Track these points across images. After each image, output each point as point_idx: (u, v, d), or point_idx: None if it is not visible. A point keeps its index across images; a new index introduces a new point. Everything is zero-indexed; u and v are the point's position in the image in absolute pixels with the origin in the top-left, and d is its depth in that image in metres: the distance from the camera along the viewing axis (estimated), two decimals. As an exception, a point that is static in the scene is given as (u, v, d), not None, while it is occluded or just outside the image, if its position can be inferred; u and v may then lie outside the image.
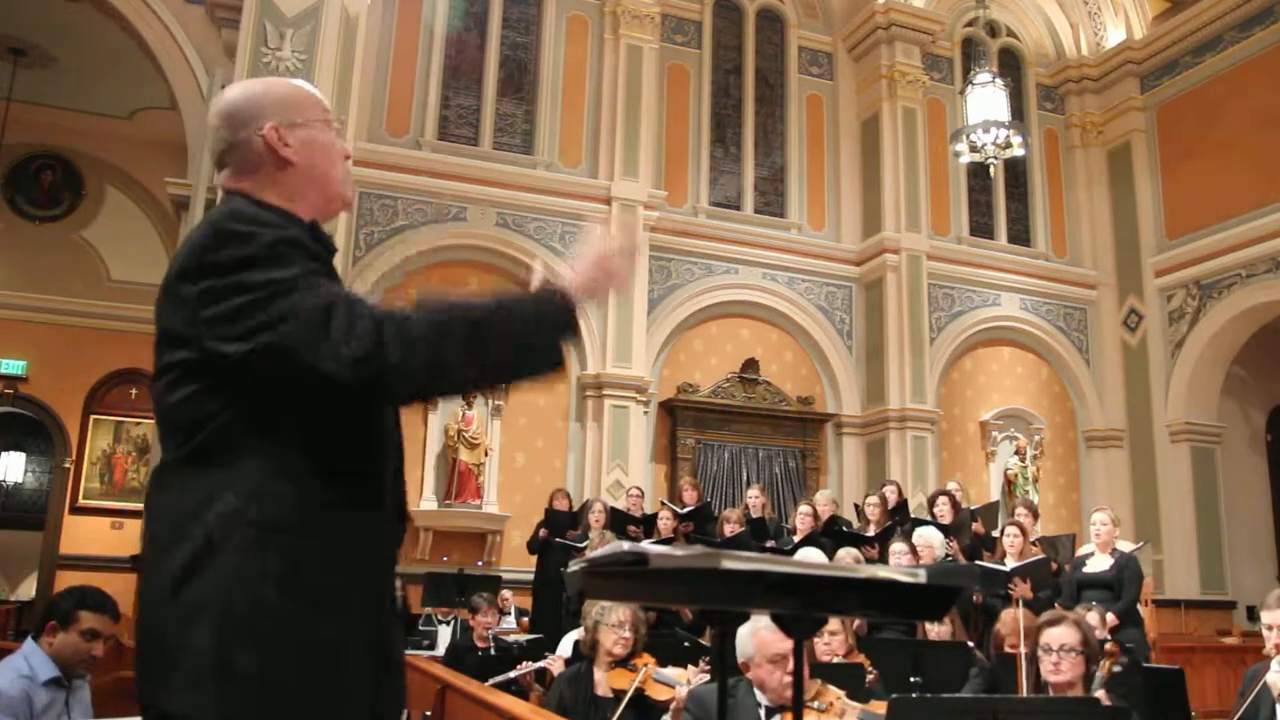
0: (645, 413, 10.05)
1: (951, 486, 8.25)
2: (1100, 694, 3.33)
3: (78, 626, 2.95)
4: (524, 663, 4.85)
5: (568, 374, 9.97)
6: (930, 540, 6.29)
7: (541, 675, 4.79)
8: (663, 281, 10.53)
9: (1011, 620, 4.16)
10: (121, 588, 6.03)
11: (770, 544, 7.09)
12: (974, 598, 6.02)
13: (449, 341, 1.34)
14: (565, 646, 5.18)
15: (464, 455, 9.26)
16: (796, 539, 7.01)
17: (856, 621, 4.67)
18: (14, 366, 12.02)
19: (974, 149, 9.74)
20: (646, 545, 1.30)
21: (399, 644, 1.53)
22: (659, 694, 3.81)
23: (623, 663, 3.97)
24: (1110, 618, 5.68)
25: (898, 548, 6.11)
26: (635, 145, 10.34)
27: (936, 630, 4.80)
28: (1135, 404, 11.86)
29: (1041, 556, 6.15)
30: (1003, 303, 11.89)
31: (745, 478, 10.27)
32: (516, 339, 1.40)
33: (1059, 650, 3.15)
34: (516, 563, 8.96)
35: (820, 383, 11.18)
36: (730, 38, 11.75)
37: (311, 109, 1.59)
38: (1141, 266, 12.00)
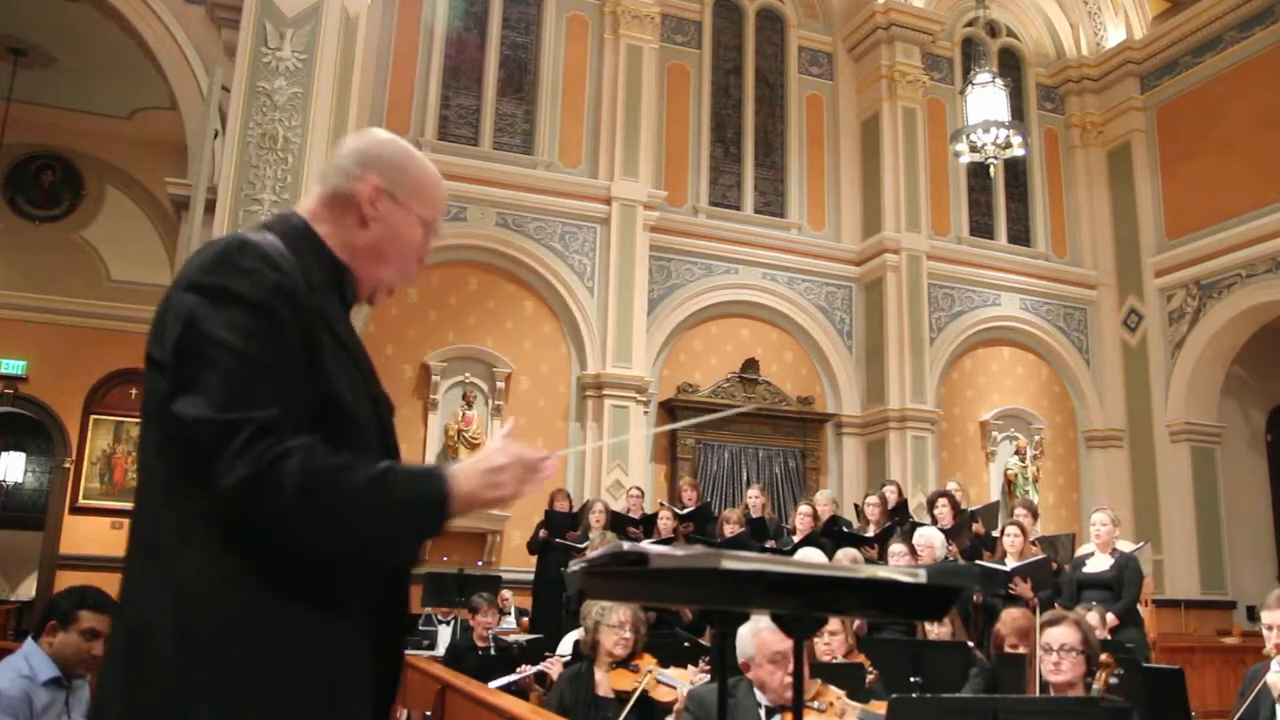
0: (645, 413, 10.05)
1: (951, 487, 8.25)
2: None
3: (78, 626, 2.95)
4: (523, 665, 4.85)
5: (568, 374, 9.98)
6: (931, 540, 6.29)
7: (541, 677, 4.79)
8: (663, 281, 10.53)
9: (1012, 620, 4.16)
10: (121, 588, 6.04)
11: (770, 544, 7.09)
12: (974, 598, 6.02)
13: (319, 508, 1.28)
14: (565, 646, 5.18)
15: (464, 455, 9.26)
16: (796, 539, 7.01)
17: (856, 621, 4.67)
18: (14, 366, 12.02)
19: (974, 149, 9.74)
20: (646, 545, 1.30)
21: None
22: (663, 696, 3.81)
23: (624, 663, 3.97)
24: (1110, 618, 5.68)
25: (896, 548, 6.11)
26: (635, 145, 10.35)
27: (936, 630, 4.80)
28: (1135, 404, 11.86)
29: (1042, 556, 6.15)
30: (1003, 303, 11.89)
31: (745, 478, 10.28)
32: (382, 531, 1.34)
33: (1059, 650, 3.15)
34: (516, 563, 8.97)
35: (820, 383, 11.18)
36: (730, 38, 11.75)
37: (423, 202, 1.55)
38: (1141, 266, 12.00)
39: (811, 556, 6.10)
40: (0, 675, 2.86)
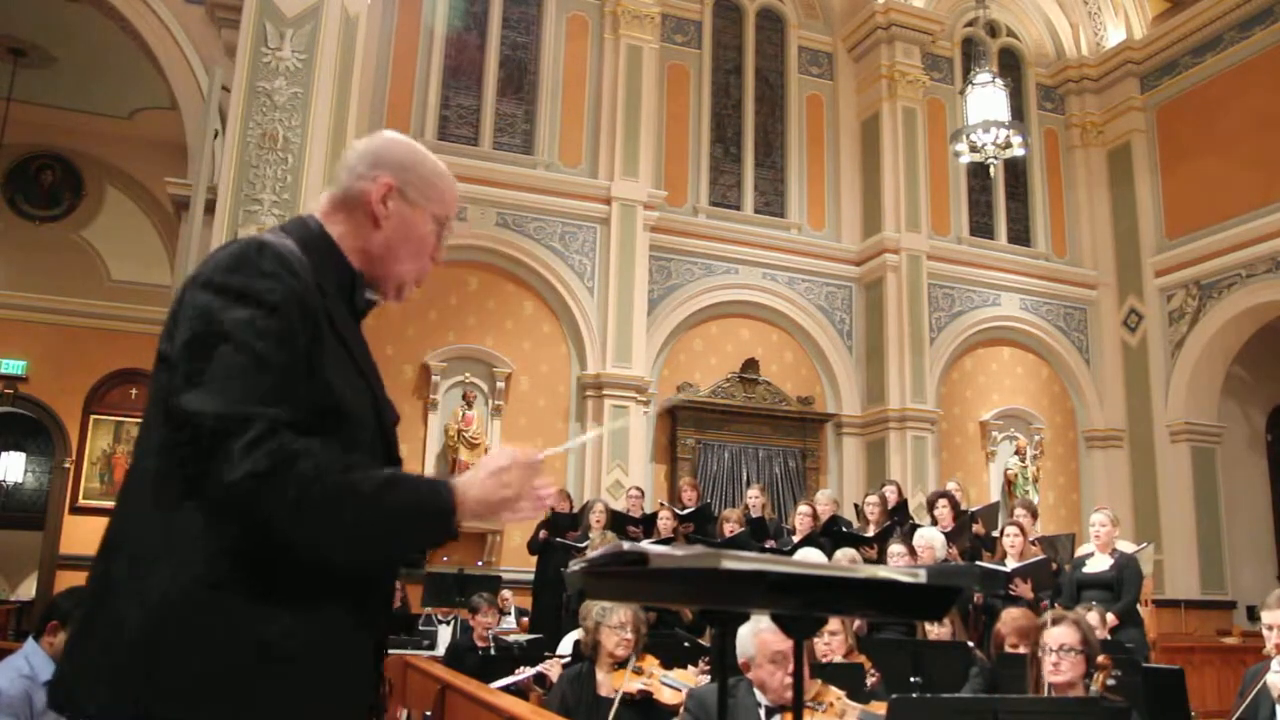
0: (645, 413, 10.06)
1: (951, 486, 8.25)
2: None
3: (78, 626, 2.95)
4: (522, 668, 4.85)
5: (568, 374, 9.98)
6: (931, 541, 6.29)
7: (541, 679, 4.79)
8: (663, 281, 10.53)
9: (1012, 620, 4.16)
10: (121, 588, 6.04)
11: (770, 544, 7.09)
12: (974, 598, 6.02)
13: (325, 513, 1.28)
14: (565, 646, 5.18)
15: (464, 455, 9.26)
16: (796, 539, 7.01)
17: (856, 622, 4.67)
18: (14, 366, 12.02)
19: (974, 149, 9.74)
20: (647, 545, 1.30)
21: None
22: (668, 698, 3.81)
23: (626, 664, 3.96)
24: (1110, 618, 5.69)
25: (895, 549, 6.11)
26: (635, 145, 10.34)
27: (936, 630, 4.80)
28: (1135, 404, 11.86)
29: (1042, 557, 6.15)
30: (1003, 303, 11.89)
31: (745, 478, 10.28)
32: (387, 535, 1.36)
33: (1059, 650, 3.15)
34: (516, 563, 8.96)
35: (820, 383, 11.18)
36: (730, 38, 11.75)
37: (434, 200, 1.58)
38: (1141, 266, 12.00)
39: (811, 557, 6.10)
40: (1, 675, 2.86)
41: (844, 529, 7.35)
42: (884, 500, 7.72)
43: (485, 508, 1.40)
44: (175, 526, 1.31)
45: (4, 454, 12.72)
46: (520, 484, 1.42)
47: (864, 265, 11.38)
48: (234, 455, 1.25)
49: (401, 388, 9.23)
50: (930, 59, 12.04)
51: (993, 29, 12.75)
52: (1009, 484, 11.32)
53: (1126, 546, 6.74)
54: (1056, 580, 6.18)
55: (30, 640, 3.00)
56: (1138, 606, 6.19)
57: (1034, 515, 7.16)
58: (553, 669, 4.72)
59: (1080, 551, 6.70)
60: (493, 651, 5.63)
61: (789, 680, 2.83)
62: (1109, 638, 5.34)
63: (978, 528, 7.31)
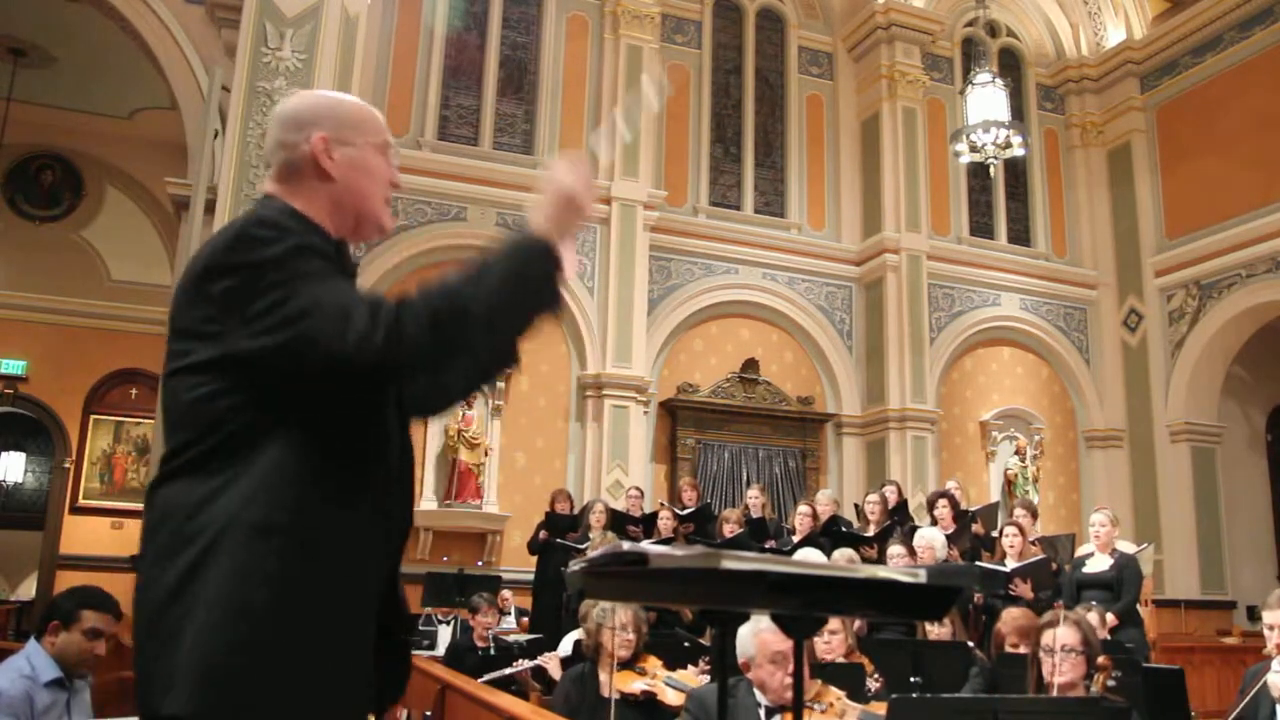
0: (645, 413, 10.06)
1: (950, 486, 8.25)
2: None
3: (80, 626, 2.96)
4: (520, 660, 4.85)
5: (568, 374, 9.98)
6: (931, 541, 6.29)
7: (540, 674, 4.79)
8: (663, 281, 10.53)
9: (1012, 619, 4.16)
10: (122, 588, 6.04)
11: (770, 544, 7.09)
12: (974, 598, 6.02)
13: (463, 317, 1.37)
14: (565, 646, 5.18)
15: (464, 455, 9.26)
16: (796, 539, 7.01)
17: (857, 622, 4.67)
18: (14, 366, 12.02)
19: (974, 149, 9.74)
20: (647, 545, 1.30)
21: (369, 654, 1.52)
22: (672, 700, 3.81)
23: (628, 665, 3.97)
24: (1110, 618, 5.69)
25: (895, 550, 6.11)
26: (635, 145, 10.34)
27: (936, 630, 4.80)
28: (1135, 404, 11.86)
29: (1042, 557, 6.15)
30: (1003, 303, 11.89)
31: (745, 478, 10.28)
32: (519, 296, 1.43)
33: (1060, 651, 3.15)
34: (516, 563, 8.96)
35: (820, 383, 11.18)
36: (730, 38, 11.75)
37: (368, 131, 1.60)
38: (1141, 266, 12.00)
39: (811, 557, 6.09)
40: (2, 675, 2.86)
41: (844, 529, 7.35)
42: (884, 500, 7.71)
43: (567, 227, 1.50)
44: (190, 503, 1.36)
45: (4, 454, 12.72)
46: (584, 189, 1.52)
47: (864, 265, 11.38)
48: (364, 328, 1.33)
49: (401, 388, 9.21)
50: (930, 59, 12.04)
51: (993, 29, 12.75)
52: (1009, 484, 11.32)
53: (1126, 547, 6.75)
54: (1056, 580, 6.18)
55: (31, 640, 3.00)
56: (1137, 606, 6.19)
57: (1034, 515, 7.16)
58: (550, 662, 4.72)
59: (1080, 552, 6.70)
60: (493, 651, 5.63)
61: (789, 680, 2.83)
62: (1109, 638, 5.34)
63: (977, 528, 7.31)
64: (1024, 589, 5.77)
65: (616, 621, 3.96)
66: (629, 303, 9.95)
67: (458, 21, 10.40)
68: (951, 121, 11.65)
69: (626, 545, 1.32)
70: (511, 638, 6.13)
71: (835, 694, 3.11)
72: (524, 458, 9.69)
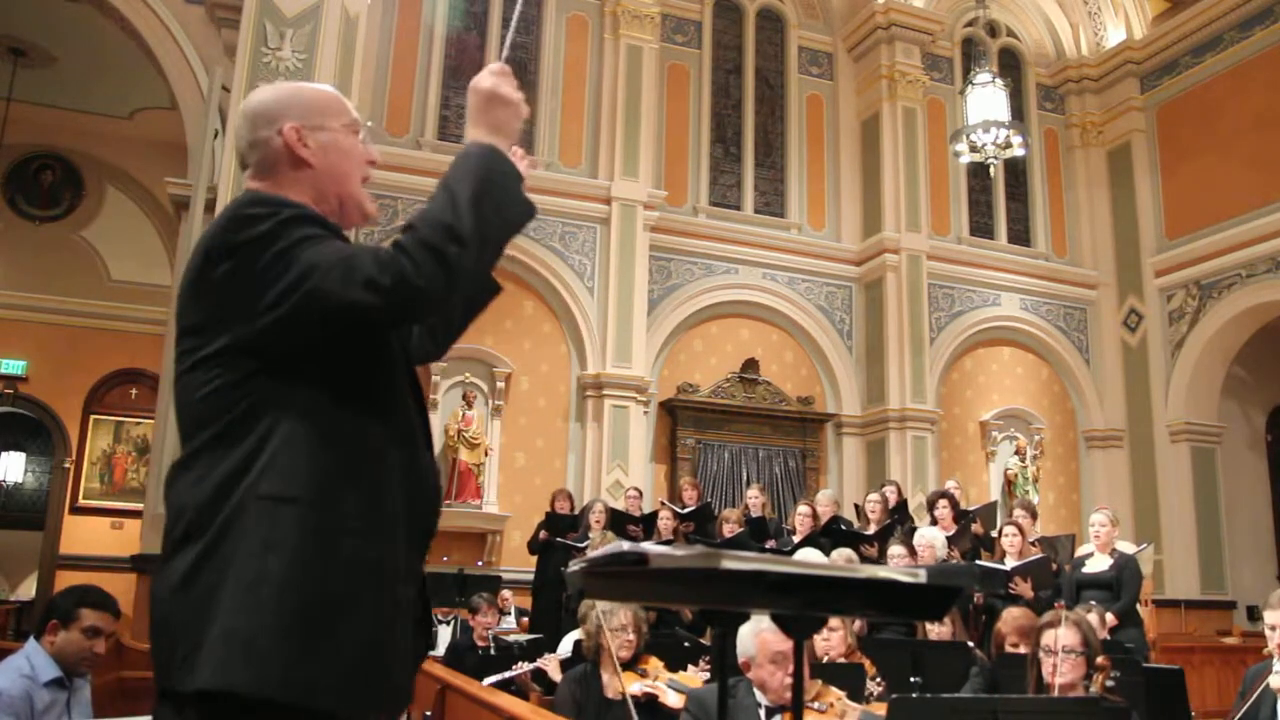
0: (645, 413, 10.05)
1: (950, 485, 8.25)
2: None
3: (79, 624, 2.95)
4: (520, 663, 4.85)
5: (568, 374, 9.98)
6: (931, 540, 6.29)
7: (539, 675, 4.79)
8: (663, 281, 10.53)
9: (1013, 619, 4.16)
10: (122, 587, 6.03)
11: (770, 544, 7.09)
12: (974, 598, 6.02)
13: (452, 239, 1.39)
14: (565, 646, 5.18)
15: (464, 455, 9.26)
16: (796, 539, 7.01)
17: (857, 621, 4.67)
18: (14, 366, 12.03)
19: (974, 149, 9.74)
20: (647, 545, 1.30)
21: (408, 611, 1.52)
22: (674, 702, 3.80)
23: (630, 665, 3.96)
24: (1110, 618, 5.69)
25: (895, 550, 6.10)
26: (635, 145, 10.34)
27: (936, 630, 4.80)
28: (1135, 404, 11.86)
29: (1042, 556, 6.14)
30: (1003, 303, 11.89)
31: (745, 478, 10.28)
32: (493, 207, 1.46)
33: (1060, 651, 3.15)
34: (516, 563, 8.97)
35: (820, 383, 11.18)
36: (730, 38, 11.75)
37: (336, 114, 1.61)
38: (1141, 266, 12.00)
39: (811, 557, 6.09)
40: (1, 675, 2.86)
41: (843, 528, 7.34)
42: (885, 500, 7.71)
43: (501, 128, 1.60)
44: (209, 483, 1.38)
45: (4, 454, 12.72)
46: (508, 89, 1.61)
47: (864, 265, 11.38)
48: (372, 273, 1.35)
49: (401, 388, 9.22)
50: (930, 59, 12.04)
51: (993, 29, 12.75)
52: (1009, 484, 11.32)
53: (1126, 547, 6.75)
54: (1056, 579, 6.18)
55: (31, 640, 2.99)
56: (1137, 607, 6.19)
57: (1033, 516, 7.15)
58: (550, 664, 4.72)
59: (1080, 552, 6.70)
60: (493, 651, 5.63)
61: (789, 680, 2.83)
62: (1109, 638, 5.34)
63: (976, 527, 7.30)
64: (1024, 588, 5.77)
65: (616, 623, 3.96)
66: (629, 303, 9.95)
67: (458, 21, 10.40)
68: (951, 121, 11.65)
69: (626, 545, 1.32)
70: (511, 638, 6.12)
71: (835, 694, 3.11)
72: (524, 458, 9.69)
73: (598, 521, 7.50)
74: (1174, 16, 12.01)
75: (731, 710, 2.92)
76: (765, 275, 11.01)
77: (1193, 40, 11.81)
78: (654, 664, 4.07)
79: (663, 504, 8.16)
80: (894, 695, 2.75)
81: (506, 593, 7.72)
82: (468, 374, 9.57)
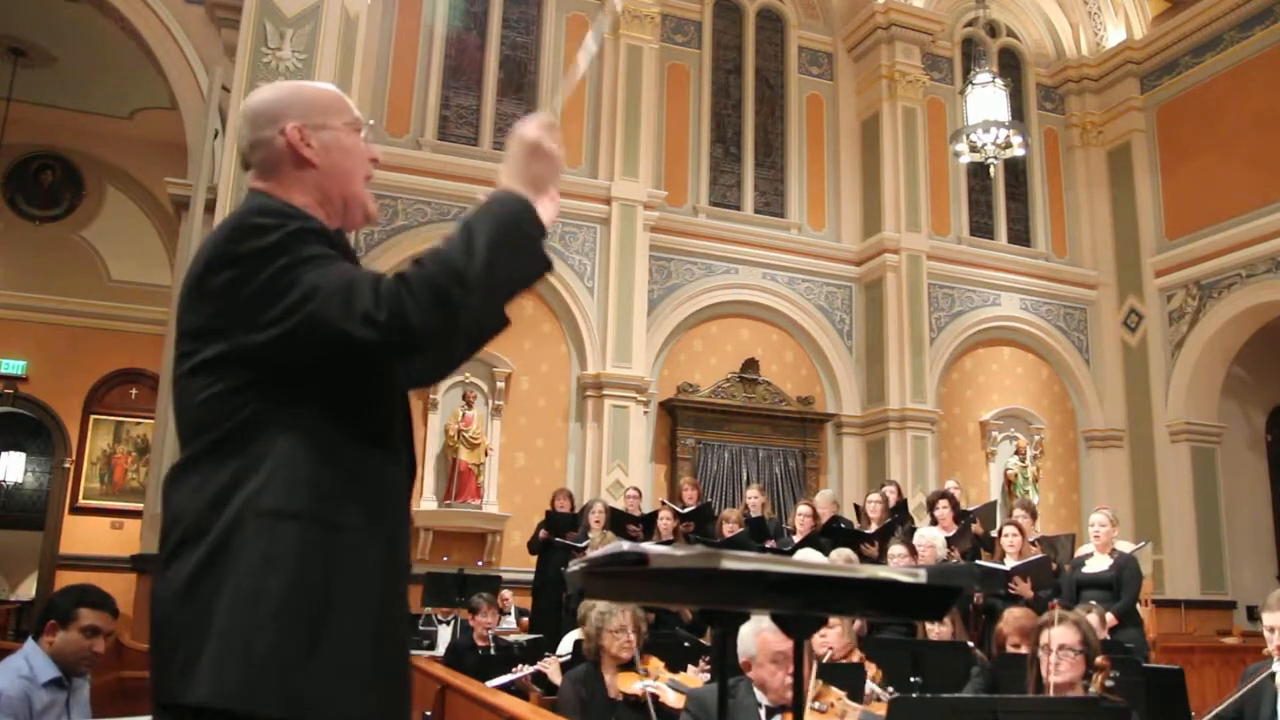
0: (645, 413, 10.05)
1: (950, 485, 8.25)
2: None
3: (78, 624, 2.95)
4: (520, 666, 4.84)
5: (568, 374, 9.98)
6: (932, 540, 6.28)
7: (540, 677, 4.79)
8: (663, 281, 10.53)
9: (1014, 619, 4.16)
10: (122, 588, 6.03)
11: (770, 544, 7.09)
12: (974, 598, 6.02)
13: (458, 282, 1.37)
14: (565, 646, 5.18)
15: (464, 455, 9.26)
16: (796, 539, 7.01)
17: (857, 621, 4.67)
18: (14, 366, 12.03)
19: (974, 149, 9.74)
20: (647, 545, 1.30)
21: (406, 628, 1.53)
22: (672, 701, 3.80)
23: (631, 666, 3.96)
24: (1110, 618, 5.69)
25: (896, 550, 6.10)
26: (635, 145, 10.34)
27: (936, 630, 4.80)
28: (1135, 404, 11.86)
29: (1042, 556, 6.15)
30: (1003, 303, 11.89)
31: (745, 478, 10.27)
32: (510, 259, 1.43)
33: (1059, 650, 3.15)
34: (516, 563, 8.96)
35: (820, 383, 11.18)
36: (730, 38, 11.75)
37: (338, 113, 1.60)
38: (1141, 266, 12.00)
39: (811, 557, 6.09)
40: (1, 676, 2.86)
41: (843, 528, 7.34)
42: (885, 500, 7.71)
43: (539, 183, 1.50)
44: (207, 492, 1.38)
45: (4, 454, 12.72)
46: (553, 144, 1.52)
47: (864, 265, 11.38)
48: (369, 306, 1.34)
49: (401, 388, 9.21)
50: (930, 59, 12.04)
51: (993, 29, 12.75)
52: (1009, 484, 11.32)
53: (1126, 547, 6.74)
54: (1056, 579, 6.18)
55: (29, 640, 2.99)
56: (1137, 606, 6.19)
57: (1033, 516, 7.16)
58: (551, 667, 4.72)
59: (1080, 552, 6.70)
60: (493, 651, 5.63)
61: (790, 680, 2.83)
62: (1109, 638, 5.34)
63: (976, 527, 7.30)
64: (1024, 588, 5.77)
65: (615, 624, 3.95)
66: (629, 303, 9.95)
67: (458, 21, 10.39)
68: (951, 121, 11.65)
69: (626, 545, 1.32)
70: (511, 638, 6.12)
71: (836, 694, 3.11)
72: (524, 458, 9.69)
73: (597, 521, 7.50)
74: (1174, 16, 12.01)
75: (732, 710, 2.92)
76: (765, 275, 11.01)
77: (1193, 40, 11.81)
78: (654, 664, 4.07)
79: (663, 504, 8.16)
80: (894, 695, 2.75)
81: (506, 593, 7.72)
82: (468, 374, 9.57)
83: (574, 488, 9.05)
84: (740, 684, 3.02)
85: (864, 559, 6.54)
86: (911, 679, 4.04)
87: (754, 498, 7.94)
